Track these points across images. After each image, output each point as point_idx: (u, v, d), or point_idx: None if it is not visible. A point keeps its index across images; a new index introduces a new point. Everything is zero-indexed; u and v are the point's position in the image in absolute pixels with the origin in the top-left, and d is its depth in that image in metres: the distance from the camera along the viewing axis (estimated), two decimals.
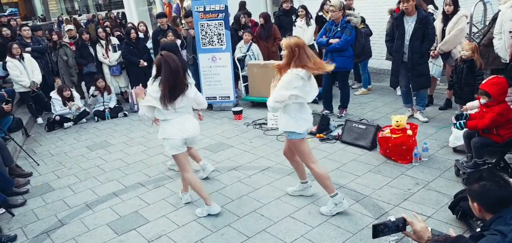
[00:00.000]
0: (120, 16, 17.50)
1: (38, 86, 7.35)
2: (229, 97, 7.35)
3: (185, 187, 4.15)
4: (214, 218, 3.80)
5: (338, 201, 3.62)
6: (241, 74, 7.57)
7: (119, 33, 9.21)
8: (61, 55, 8.07)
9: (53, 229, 3.90)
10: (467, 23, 6.17)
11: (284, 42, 3.45)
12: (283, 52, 3.45)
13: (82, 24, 15.08)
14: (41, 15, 28.50)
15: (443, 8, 5.83)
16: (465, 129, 4.30)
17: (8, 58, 7.11)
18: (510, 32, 4.98)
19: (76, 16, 22.10)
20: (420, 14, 5.23)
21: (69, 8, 35.50)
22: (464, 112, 4.18)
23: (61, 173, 5.24)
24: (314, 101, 7.01)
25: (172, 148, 3.72)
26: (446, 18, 5.80)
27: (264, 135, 5.86)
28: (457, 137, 4.59)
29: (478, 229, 2.30)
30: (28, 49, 7.68)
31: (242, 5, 9.87)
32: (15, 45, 7.15)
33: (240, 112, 6.74)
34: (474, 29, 7.31)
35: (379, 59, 8.26)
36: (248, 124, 6.37)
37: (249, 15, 8.93)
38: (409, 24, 5.30)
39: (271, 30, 7.80)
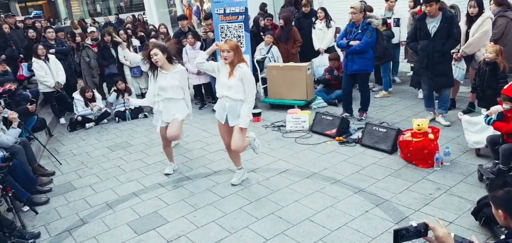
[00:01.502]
0: (146, 19, 17.75)
1: (62, 86, 7.53)
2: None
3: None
4: (232, 219, 3.82)
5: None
6: (260, 76, 7.58)
7: (142, 34, 9.34)
8: (83, 56, 8.25)
9: (75, 228, 3.99)
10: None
11: (232, 43, 4.01)
12: (230, 53, 3.97)
13: (96, 27, 15.11)
14: (65, 18, 29.21)
15: (467, 10, 5.71)
16: (488, 135, 4.19)
17: (33, 59, 7.32)
18: None
19: (83, 19, 22.54)
20: (445, 14, 5.14)
21: (91, 10, 36.28)
22: (490, 116, 4.05)
23: (83, 173, 5.35)
24: (334, 104, 6.98)
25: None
26: (470, 20, 5.67)
27: (283, 137, 5.85)
28: (476, 141, 4.48)
29: (503, 236, 2.24)
30: (52, 50, 7.87)
31: (263, 7, 9.88)
32: (40, 46, 7.34)
33: (259, 114, 6.74)
34: None
35: (401, 61, 8.14)
36: (267, 126, 6.37)
37: (271, 16, 8.92)
38: (433, 25, 5.20)
39: (291, 32, 7.79)
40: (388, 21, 7.13)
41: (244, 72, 4.04)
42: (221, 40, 7.20)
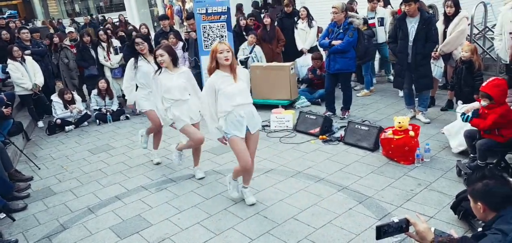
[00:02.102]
0: (127, 19, 17.47)
1: (40, 88, 7.35)
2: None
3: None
4: (217, 221, 3.80)
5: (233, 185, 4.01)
6: None
7: (123, 34, 9.20)
8: (61, 57, 8.07)
9: (55, 234, 3.89)
10: (468, 24, 6.18)
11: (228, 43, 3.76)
12: (230, 53, 3.64)
13: (74, 28, 14.45)
14: (35, 19, 28.51)
15: (444, 10, 5.85)
16: (466, 129, 4.30)
17: (9, 61, 7.09)
18: (510, 33, 4.99)
19: (53, 19, 21.95)
20: (423, 15, 5.24)
21: (70, 10, 35.52)
22: (467, 114, 4.16)
23: (63, 177, 5.23)
24: (317, 103, 7.04)
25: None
26: (448, 19, 5.81)
27: (267, 137, 5.86)
28: (459, 144, 4.58)
29: (480, 229, 2.31)
30: (28, 52, 7.66)
31: (239, 8, 9.90)
32: (15, 48, 7.12)
33: None
34: (475, 31, 7.32)
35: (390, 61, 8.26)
36: None
37: (257, 17, 8.92)
38: (412, 25, 5.31)
39: (275, 31, 7.81)
40: (371, 21, 7.19)
41: (245, 71, 3.87)
42: (204, 41, 7.18)
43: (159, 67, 4.35)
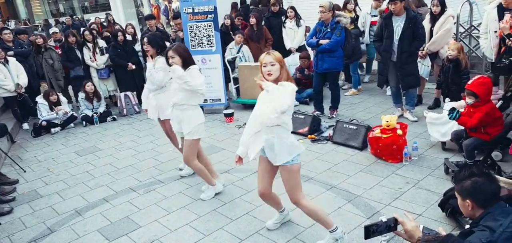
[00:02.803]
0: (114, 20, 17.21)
1: (23, 88, 7.20)
2: (220, 99, 7.32)
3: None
4: (206, 222, 3.78)
5: (338, 236, 3.17)
6: (231, 76, 7.55)
7: (108, 34, 9.08)
8: (46, 58, 7.94)
9: (42, 237, 3.83)
10: (454, 23, 6.27)
11: (277, 55, 3.08)
12: (275, 67, 3.03)
13: (58, 28, 14.04)
14: (25, 19, 27.93)
15: (430, 9, 5.92)
16: (453, 130, 4.36)
17: None
18: (495, 31, 5.07)
19: (27, 20, 21.12)
20: (409, 14, 5.29)
21: (54, 10, 34.92)
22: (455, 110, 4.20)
23: (49, 180, 5.15)
24: (305, 102, 7.05)
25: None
26: (434, 18, 5.88)
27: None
28: (442, 133, 4.63)
29: (467, 226, 2.33)
30: (10, 53, 7.51)
31: (234, 6, 9.86)
32: None
33: (231, 114, 6.72)
34: (461, 29, 7.43)
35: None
36: (240, 127, 6.35)
37: (244, 16, 8.89)
38: (398, 24, 5.36)
39: (262, 31, 7.80)
40: (374, 19, 6.96)
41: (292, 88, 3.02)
42: (191, 40, 7.13)
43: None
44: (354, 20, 7.14)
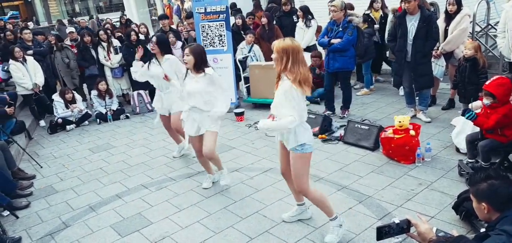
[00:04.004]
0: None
1: (40, 88, 7.37)
2: (230, 98, 7.33)
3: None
4: (216, 219, 3.80)
5: (341, 221, 3.30)
6: (242, 75, 7.57)
7: (120, 34, 9.20)
8: (62, 57, 8.08)
9: (57, 231, 3.91)
10: (470, 22, 6.15)
11: (280, 45, 3.07)
12: (274, 58, 3.08)
13: (74, 27, 14.00)
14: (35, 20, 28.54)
15: (446, 8, 5.81)
16: (468, 133, 4.28)
17: (10, 61, 7.15)
18: None
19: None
20: (423, 13, 5.21)
21: (70, 10, 35.57)
22: (472, 110, 4.11)
23: (64, 176, 5.25)
24: (316, 102, 7.03)
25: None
26: (449, 17, 5.78)
27: (266, 136, 5.85)
28: (459, 134, 4.55)
29: (483, 229, 2.29)
30: (30, 52, 7.69)
31: (233, 6, 9.85)
32: (16, 49, 7.18)
33: (242, 113, 6.74)
34: (477, 28, 7.30)
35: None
36: (250, 126, 6.37)
37: (253, 15, 8.90)
38: (412, 23, 5.28)
39: (274, 30, 7.80)
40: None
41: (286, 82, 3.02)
42: (203, 40, 7.18)
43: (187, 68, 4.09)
44: (383, 18, 7.04)
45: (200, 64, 4.00)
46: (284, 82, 3.02)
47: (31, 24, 18.79)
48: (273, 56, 3.06)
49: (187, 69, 4.09)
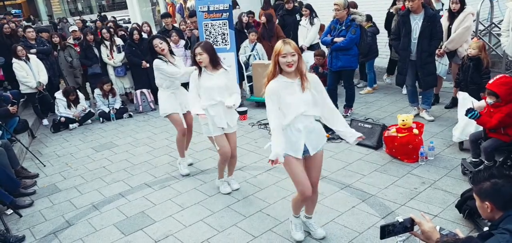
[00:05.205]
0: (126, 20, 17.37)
1: (44, 86, 7.39)
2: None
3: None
4: (220, 218, 3.81)
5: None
6: (245, 74, 7.57)
7: (123, 33, 9.22)
8: (65, 56, 8.10)
9: (61, 230, 3.93)
10: (474, 20, 6.12)
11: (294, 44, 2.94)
12: (295, 57, 2.88)
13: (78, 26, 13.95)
14: (35, 17, 28.61)
15: (449, 6, 5.79)
16: (471, 133, 4.26)
17: (14, 60, 7.16)
18: None
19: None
20: (427, 12, 5.19)
21: (73, 9, 35.65)
22: (474, 109, 4.11)
23: (68, 174, 5.26)
24: None
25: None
26: (452, 16, 5.76)
27: (269, 135, 5.83)
28: (462, 132, 4.53)
29: (486, 228, 2.29)
30: (33, 50, 7.71)
31: (234, 5, 9.83)
32: (19, 47, 7.19)
33: (245, 112, 6.74)
34: (480, 27, 7.27)
35: (384, 58, 8.24)
36: (253, 124, 6.38)
37: (253, 13, 8.90)
38: (416, 22, 5.25)
39: (274, 29, 7.78)
40: (441, 13, 6.56)
41: (315, 79, 3.05)
42: (206, 38, 7.18)
43: (199, 68, 3.95)
44: (370, 18, 7.04)
45: (215, 58, 3.94)
46: (312, 76, 3.02)
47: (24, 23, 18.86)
48: (294, 58, 2.85)
49: (200, 68, 3.94)
